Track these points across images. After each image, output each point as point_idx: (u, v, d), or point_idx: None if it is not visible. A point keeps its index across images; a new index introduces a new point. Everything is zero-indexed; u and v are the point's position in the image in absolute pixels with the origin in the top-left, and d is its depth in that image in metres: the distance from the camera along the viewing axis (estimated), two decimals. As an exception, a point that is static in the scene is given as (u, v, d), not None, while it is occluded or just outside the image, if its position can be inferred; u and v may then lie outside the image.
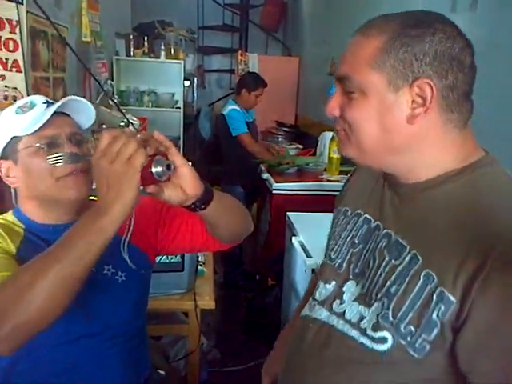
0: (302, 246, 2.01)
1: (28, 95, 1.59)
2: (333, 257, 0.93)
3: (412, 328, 0.73)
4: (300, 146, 3.97)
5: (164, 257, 1.63)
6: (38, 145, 0.99)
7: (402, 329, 0.74)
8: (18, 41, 1.52)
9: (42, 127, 0.98)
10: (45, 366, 1.03)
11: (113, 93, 3.46)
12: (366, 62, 0.73)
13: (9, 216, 1.08)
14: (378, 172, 0.89)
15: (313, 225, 1.98)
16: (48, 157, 0.98)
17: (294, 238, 2.09)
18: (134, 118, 3.28)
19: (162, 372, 1.34)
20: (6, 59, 1.52)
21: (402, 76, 0.72)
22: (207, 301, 1.73)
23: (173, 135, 4.06)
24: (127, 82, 4.28)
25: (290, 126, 4.69)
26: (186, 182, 0.83)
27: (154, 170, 0.78)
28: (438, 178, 0.78)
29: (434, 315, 0.71)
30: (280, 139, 4.39)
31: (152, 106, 4.27)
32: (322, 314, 0.89)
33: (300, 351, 0.92)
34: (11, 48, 1.52)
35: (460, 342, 0.70)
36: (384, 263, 0.80)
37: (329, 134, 3.27)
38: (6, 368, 1.02)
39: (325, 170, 3.13)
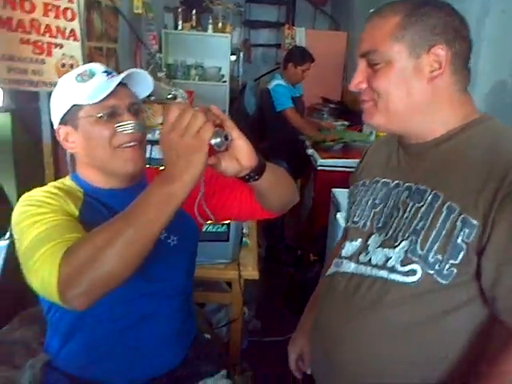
0: (347, 222, 1.99)
1: (84, 64, 1.63)
2: (356, 220, 1.03)
3: (439, 256, 0.84)
4: (346, 123, 3.91)
5: (210, 226, 1.66)
6: (100, 114, 1.01)
7: (430, 259, 0.84)
8: (76, 10, 1.56)
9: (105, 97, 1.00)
10: (105, 321, 1.08)
11: (161, 65, 3.50)
12: (388, 37, 0.87)
13: (67, 181, 1.12)
14: (392, 142, 1.04)
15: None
16: (116, 124, 1.01)
17: (338, 214, 2.09)
18: (181, 91, 3.32)
19: (208, 335, 1.37)
20: (64, 28, 1.56)
21: (420, 45, 0.86)
22: (250, 271, 1.75)
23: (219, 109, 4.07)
24: (174, 56, 4.31)
25: (337, 103, 4.62)
26: (241, 154, 0.85)
27: (213, 141, 0.80)
28: (443, 136, 0.92)
29: (459, 240, 0.83)
30: (325, 115, 4.33)
31: (198, 80, 4.30)
32: (350, 266, 0.98)
33: (331, 303, 1.00)
34: (69, 17, 1.56)
35: (484, 263, 0.81)
36: (408, 208, 0.91)
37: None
38: (71, 323, 1.08)
39: (371, 147, 3.07)
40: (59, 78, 1.59)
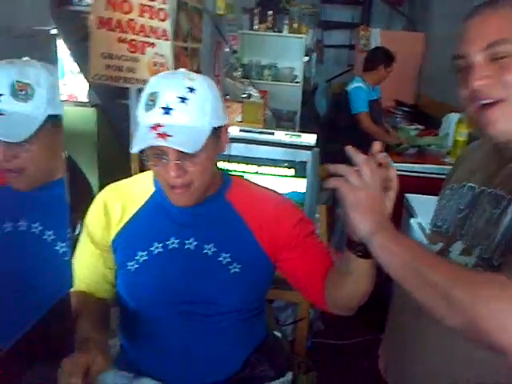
0: (421, 228, 1.95)
1: (172, 64, 1.70)
2: (439, 224, 1.00)
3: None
4: (420, 127, 3.80)
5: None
6: (150, 153, 0.98)
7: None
8: (168, 11, 1.63)
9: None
10: (160, 334, 1.10)
11: (237, 65, 3.58)
12: None
13: (151, 174, 1.12)
14: (486, 146, 0.98)
15: (432, 208, 1.91)
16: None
17: (412, 220, 2.04)
18: (255, 90, 3.38)
19: (279, 334, 1.38)
20: (157, 28, 1.64)
21: None
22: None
23: (291, 109, 4.10)
24: (249, 56, 4.39)
25: (411, 106, 4.50)
26: None
27: None
28: None
29: None
30: (398, 119, 4.23)
31: (271, 80, 4.35)
32: None
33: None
34: (161, 17, 1.63)
35: None
36: (486, 215, 0.87)
37: (455, 116, 3.09)
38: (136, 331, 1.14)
39: (448, 153, 2.97)
40: (150, 75, 1.68)
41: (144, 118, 0.97)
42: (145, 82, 1.64)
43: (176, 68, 1.67)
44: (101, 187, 1.20)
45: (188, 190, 1.00)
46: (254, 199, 1.13)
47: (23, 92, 0.96)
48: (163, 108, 0.94)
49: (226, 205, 1.10)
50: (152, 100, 0.96)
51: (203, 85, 0.99)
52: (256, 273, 1.11)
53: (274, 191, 1.19)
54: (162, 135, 0.92)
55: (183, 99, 0.95)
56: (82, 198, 1.19)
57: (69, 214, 1.09)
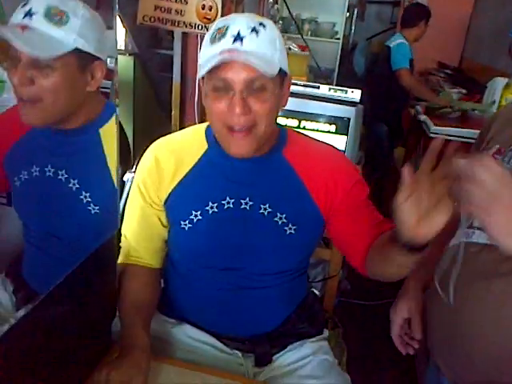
0: (461, 194, 1.90)
1: (220, 7, 1.64)
2: None
3: None
4: (463, 91, 3.65)
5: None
6: (211, 87, 0.93)
7: None
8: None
9: (218, 67, 0.90)
10: (206, 287, 1.11)
11: (276, 18, 3.46)
12: None
13: (200, 131, 1.11)
14: None
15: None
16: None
17: (452, 184, 1.99)
18: (295, 45, 3.28)
19: (318, 292, 1.38)
20: (205, -30, 1.58)
21: None
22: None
23: (328, 67, 3.99)
24: (290, 9, 4.23)
25: (454, 69, 4.31)
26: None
27: None
28: None
29: None
30: (441, 82, 4.06)
31: (311, 35, 4.21)
32: (484, 237, 0.92)
33: (464, 275, 0.95)
34: (211, -40, 1.57)
35: None
36: None
37: (502, 81, 2.95)
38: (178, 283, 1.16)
39: (492, 118, 2.85)
40: (198, 19, 1.64)
41: (210, 50, 0.92)
42: (191, 25, 1.61)
43: (222, 14, 1.62)
44: (135, 138, 1.18)
45: (249, 134, 0.94)
46: (311, 157, 1.09)
47: (58, 17, 0.93)
48: (233, 36, 0.90)
49: (283, 162, 1.07)
50: (221, 32, 0.92)
51: (272, 24, 0.95)
52: (310, 233, 1.10)
53: (333, 147, 1.15)
54: (232, 52, 0.88)
55: (255, 30, 0.91)
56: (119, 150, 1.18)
57: (100, 163, 1.08)
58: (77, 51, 0.97)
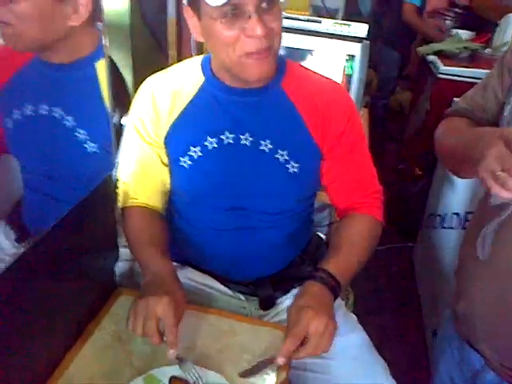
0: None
1: None
2: None
3: None
4: (472, 33, 3.51)
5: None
6: (219, 15, 0.86)
7: None
8: None
9: None
10: (207, 228, 1.09)
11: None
12: None
13: (197, 62, 1.05)
14: None
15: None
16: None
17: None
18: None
19: (323, 236, 1.36)
20: None
21: None
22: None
23: (332, 6, 3.81)
24: None
25: (464, 7, 4.13)
26: None
27: None
28: None
29: None
30: (449, 21, 3.90)
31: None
32: None
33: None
34: None
35: None
36: None
37: (515, 17, 2.82)
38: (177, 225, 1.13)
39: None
40: None
41: None
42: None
43: None
44: (135, 81, 1.13)
45: (268, 55, 0.90)
46: (310, 90, 1.04)
47: None
48: None
49: (282, 96, 1.02)
50: None
51: None
52: (312, 172, 1.07)
53: (332, 80, 1.10)
54: None
55: None
56: (116, 91, 1.08)
57: (97, 99, 1.04)
58: None
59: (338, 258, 0.99)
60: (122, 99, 1.18)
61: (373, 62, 3.81)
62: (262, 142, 1.01)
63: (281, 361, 0.83)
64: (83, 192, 0.91)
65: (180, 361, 0.85)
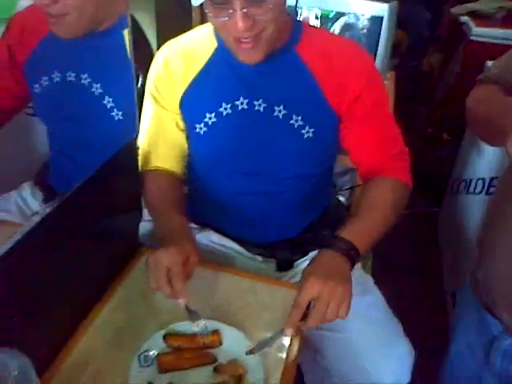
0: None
1: None
2: None
3: None
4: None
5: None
6: (211, 2, 0.86)
7: None
8: None
9: None
10: (225, 192, 1.11)
11: None
12: None
13: (211, 27, 1.04)
14: None
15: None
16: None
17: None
18: None
19: (342, 199, 1.36)
20: None
21: None
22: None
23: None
24: None
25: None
26: None
27: None
28: None
29: None
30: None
31: None
32: None
33: None
34: None
35: None
36: None
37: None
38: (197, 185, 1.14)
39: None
40: None
41: None
42: None
43: None
44: (159, 44, 1.13)
45: (258, 42, 0.89)
46: (327, 54, 1.01)
47: None
48: None
49: (296, 60, 1.01)
50: None
51: None
52: (328, 136, 1.06)
53: (352, 43, 1.08)
54: None
55: None
56: (141, 56, 1.10)
57: (124, 67, 1.05)
58: None
59: (356, 223, 0.96)
60: (147, 61, 1.19)
61: (403, 22, 3.72)
62: (276, 108, 1.01)
63: (289, 332, 0.82)
64: (108, 157, 0.94)
65: (189, 312, 0.89)
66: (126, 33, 1.06)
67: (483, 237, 1.00)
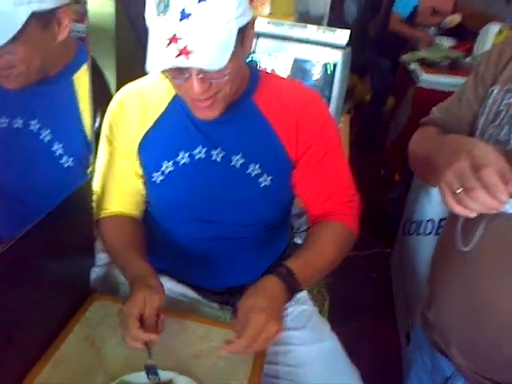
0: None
1: None
2: (503, 139, 0.82)
3: None
4: (454, 40, 3.58)
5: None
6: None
7: None
8: None
9: None
10: (179, 238, 1.11)
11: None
12: None
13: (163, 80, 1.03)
14: None
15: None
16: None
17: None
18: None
19: (299, 241, 1.37)
20: None
21: None
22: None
23: (317, 13, 3.84)
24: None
25: (446, 15, 4.20)
26: None
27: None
28: None
29: None
30: (432, 28, 3.97)
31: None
32: None
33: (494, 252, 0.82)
34: None
35: None
36: None
37: (495, 27, 2.88)
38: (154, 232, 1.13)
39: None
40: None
41: (157, 25, 0.81)
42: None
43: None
44: (118, 84, 1.12)
45: (214, 101, 0.90)
46: (282, 101, 1.03)
47: None
48: (179, 13, 0.78)
49: (253, 109, 1.02)
50: (164, 1, 0.80)
51: None
52: (286, 183, 1.06)
53: (304, 89, 1.09)
54: (183, 51, 0.78)
55: None
56: (98, 96, 1.08)
57: (74, 112, 1.05)
58: (34, 15, 0.92)
59: (300, 259, 0.97)
60: (105, 103, 1.18)
61: (358, 69, 3.89)
62: (234, 157, 1.01)
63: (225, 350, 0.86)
64: (59, 201, 0.92)
65: (148, 366, 0.87)
66: (78, 76, 1.07)
67: (432, 278, 1.02)
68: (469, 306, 0.87)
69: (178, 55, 0.78)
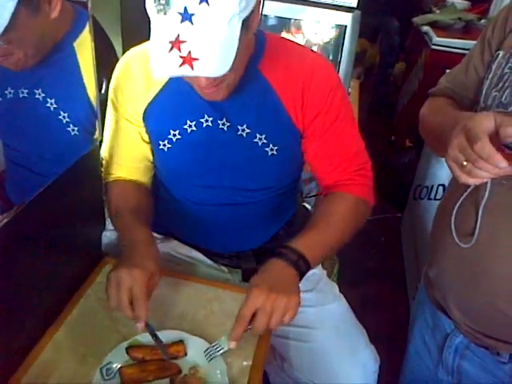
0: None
1: None
2: (505, 101, 0.81)
3: None
4: (466, 3, 3.47)
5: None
6: None
7: None
8: None
9: None
10: (189, 203, 1.10)
11: None
12: None
13: None
14: None
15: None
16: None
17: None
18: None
19: (309, 206, 1.37)
20: None
21: None
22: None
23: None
24: None
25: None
26: None
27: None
28: None
29: None
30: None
31: None
32: None
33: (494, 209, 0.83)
34: None
35: None
36: None
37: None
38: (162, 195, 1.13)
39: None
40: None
41: (158, 24, 0.76)
42: None
43: None
44: (125, 49, 1.10)
45: (221, 87, 0.89)
46: (289, 68, 0.99)
47: None
48: (180, 13, 0.74)
49: (259, 78, 0.99)
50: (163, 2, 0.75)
51: None
52: (293, 152, 1.05)
53: (312, 55, 1.05)
54: (187, 60, 0.74)
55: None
56: (104, 60, 1.05)
57: (77, 81, 1.03)
58: (22, 2, 0.88)
59: (309, 235, 0.94)
60: (111, 67, 1.17)
61: (371, 33, 3.81)
62: (240, 127, 1.00)
63: (232, 344, 0.82)
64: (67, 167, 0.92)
65: (150, 334, 0.87)
66: (79, 43, 1.04)
67: (433, 237, 1.03)
68: (466, 269, 0.88)
69: (182, 64, 0.75)
